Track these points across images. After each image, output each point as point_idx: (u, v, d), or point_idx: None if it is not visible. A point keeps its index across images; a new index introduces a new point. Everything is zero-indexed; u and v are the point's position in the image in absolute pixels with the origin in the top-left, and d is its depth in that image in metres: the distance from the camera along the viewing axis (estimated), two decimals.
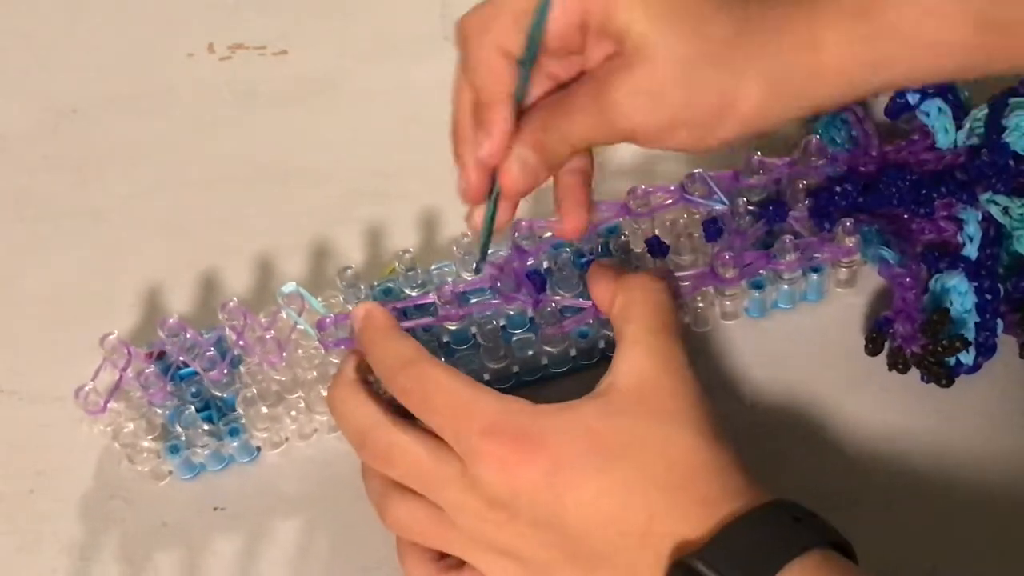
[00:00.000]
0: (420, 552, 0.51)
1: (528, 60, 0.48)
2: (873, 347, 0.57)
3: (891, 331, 0.57)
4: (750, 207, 0.59)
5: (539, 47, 0.48)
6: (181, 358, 0.58)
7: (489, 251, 0.55)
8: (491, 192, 0.51)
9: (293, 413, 0.57)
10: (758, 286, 0.59)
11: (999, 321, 0.57)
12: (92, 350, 0.58)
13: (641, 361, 0.49)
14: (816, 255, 0.58)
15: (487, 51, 0.49)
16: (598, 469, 0.47)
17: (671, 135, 0.49)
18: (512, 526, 0.47)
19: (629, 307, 0.52)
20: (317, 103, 0.70)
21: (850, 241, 0.57)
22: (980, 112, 0.60)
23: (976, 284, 0.56)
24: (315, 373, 0.57)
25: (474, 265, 0.57)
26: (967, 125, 0.60)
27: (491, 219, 0.52)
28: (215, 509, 0.57)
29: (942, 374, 0.56)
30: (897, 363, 0.56)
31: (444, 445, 0.49)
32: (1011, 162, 0.58)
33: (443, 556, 0.51)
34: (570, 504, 0.46)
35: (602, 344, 0.58)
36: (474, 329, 0.58)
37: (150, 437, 0.57)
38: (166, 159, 0.69)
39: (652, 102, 0.48)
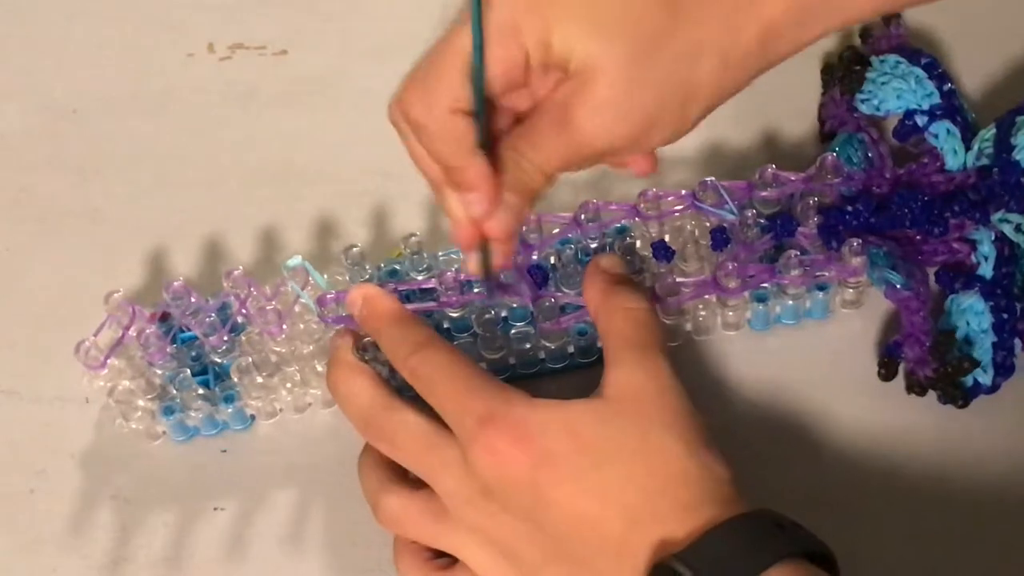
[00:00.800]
0: (415, 552, 0.52)
1: (479, 110, 0.48)
2: (886, 372, 0.57)
3: (902, 355, 0.57)
4: (760, 220, 0.59)
5: (485, 93, 0.48)
6: (184, 321, 0.58)
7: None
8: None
9: (289, 385, 0.58)
10: (761, 299, 0.59)
11: (1017, 340, 0.57)
12: None
13: (628, 377, 0.50)
14: (821, 272, 0.58)
15: (438, 116, 0.48)
16: (580, 471, 0.47)
17: (647, 137, 0.49)
18: (502, 517, 0.48)
19: (615, 326, 0.52)
20: (317, 103, 0.70)
21: (856, 261, 0.57)
22: (988, 132, 0.60)
23: (992, 303, 0.56)
24: (312, 347, 0.57)
25: (486, 294, 0.58)
26: (976, 146, 0.61)
27: (486, 256, 0.53)
28: (215, 509, 0.57)
29: (958, 395, 0.56)
30: (913, 387, 0.57)
31: (446, 430, 0.50)
32: (1022, 180, 0.58)
33: (438, 556, 0.52)
34: (551, 501, 0.47)
35: (600, 343, 0.58)
36: (474, 318, 0.58)
37: (147, 397, 0.57)
38: (166, 159, 0.69)
39: (619, 114, 0.48)
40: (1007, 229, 0.58)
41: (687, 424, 0.49)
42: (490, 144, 0.49)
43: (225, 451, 0.58)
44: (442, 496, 0.50)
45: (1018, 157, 0.59)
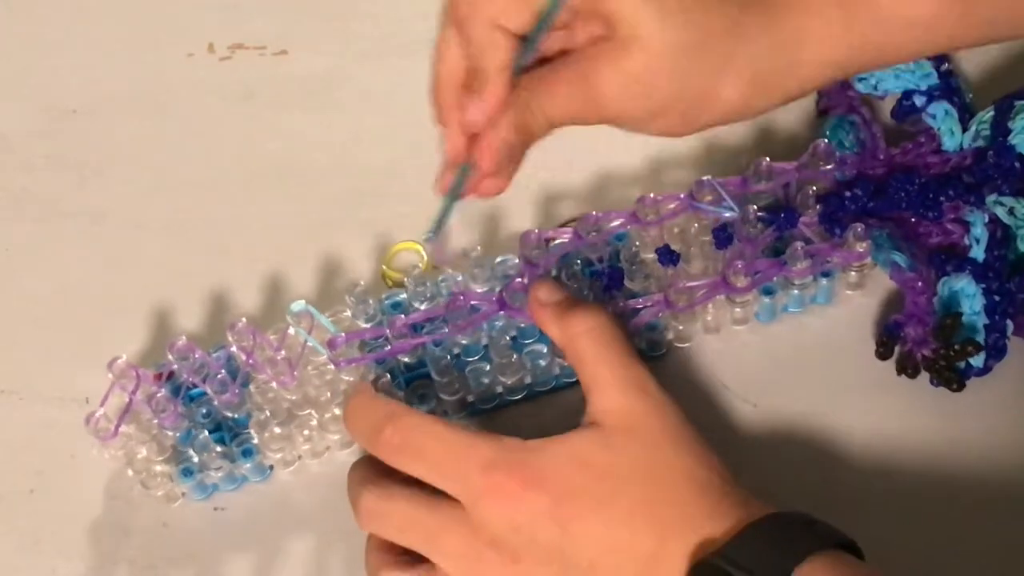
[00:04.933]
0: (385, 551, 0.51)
1: (534, 39, 0.48)
2: (884, 351, 0.57)
3: (902, 335, 0.57)
4: (760, 213, 0.58)
5: (548, 28, 0.48)
6: (191, 379, 0.57)
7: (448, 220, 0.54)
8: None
9: (305, 432, 0.56)
10: (769, 292, 0.59)
11: (1008, 323, 0.57)
12: (92, 350, 0.58)
13: (616, 400, 0.50)
14: (828, 260, 0.58)
15: (487, 24, 0.48)
16: (601, 501, 0.47)
17: (655, 122, 0.49)
18: (517, 567, 0.47)
19: (582, 352, 0.51)
20: (317, 103, 0.70)
21: (861, 246, 0.57)
22: (986, 114, 0.60)
23: (984, 286, 0.56)
24: (328, 393, 0.56)
25: (428, 234, 0.55)
26: (973, 127, 0.61)
27: (457, 187, 0.51)
28: (215, 509, 0.57)
29: (953, 378, 0.56)
30: (906, 368, 0.56)
31: (441, 495, 0.49)
32: (1017, 164, 0.58)
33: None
34: (576, 536, 0.47)
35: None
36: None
37: (161, 459, 0.56)
38: (166, 159, 0.69)
39: (643, 90, 0.48)
40: (1000, 212, 0.58)
41: (689, 435, 0.49)
42: (517, 72, 0.49)
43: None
44: (445, 564, 0.48)
45: (1014, 141, 0.59)
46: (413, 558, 0.50)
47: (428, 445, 0.49)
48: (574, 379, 0.57)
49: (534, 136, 0.50)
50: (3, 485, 0.59)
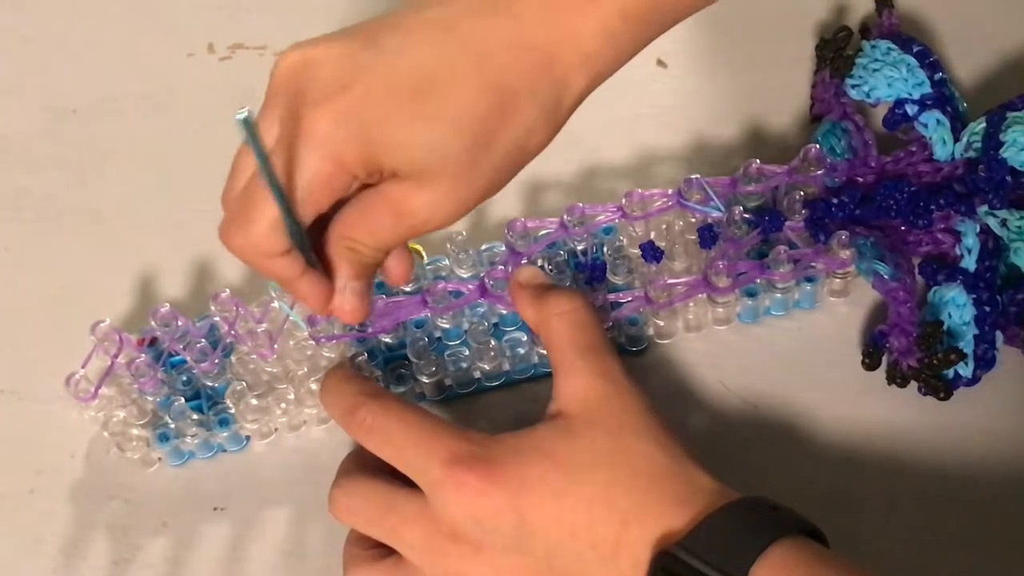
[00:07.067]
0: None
1: (299, 245, 0.47)
2: (871, 362, 0.57)
3: (887, 345, 0.57)
4: (746, 215, 0.58)
5: (302, 231, 0.47)
6: (172, 347, 0.58)
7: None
8: None
9: (283, 405, 0.57)
10: (751, 294, 0.59)
11: (998, 333, 0.56)
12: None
13: (582, 385, 0.50)
14: (810, 266, 0.58)
15: (263, 258, 0.48)
16: (560, 490, 0.47)
17: (487, 197, 0.48)
18: (480, 556, 0.48)
19: (555, 333, 0.52)
20: None
21: (845, 254, 0.57)
22: (978, 125, 0.60)
23: (974, 296, 0.56)
24: (306, 368, 0.57)
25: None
26: (965, 138, 0.60)
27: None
28: (215, 509, 0.57)
29: (940, 387, 0.56)
30: (895, 378, 0.56)
31: (405, 487, 0.49)
32: (1008, 177, 0.58)
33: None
34: (535, 525, 0.47)
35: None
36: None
37: (140, 423, 0.57)
38: (166, 159, 0.69)
39: (456, 203, 0.47)
40: (992, 223, 0.57)
41: (653, 423, 0.49)
42: (315, 248, 0.49)
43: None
44: (410, 556, 0.49)
45: (1005, 154, 0.58)
46: (386, 551, 0.50)
47: (396, 431, 0.50)
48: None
49: (374, 267, 0.50)
50: (3, 485, 0.59)
